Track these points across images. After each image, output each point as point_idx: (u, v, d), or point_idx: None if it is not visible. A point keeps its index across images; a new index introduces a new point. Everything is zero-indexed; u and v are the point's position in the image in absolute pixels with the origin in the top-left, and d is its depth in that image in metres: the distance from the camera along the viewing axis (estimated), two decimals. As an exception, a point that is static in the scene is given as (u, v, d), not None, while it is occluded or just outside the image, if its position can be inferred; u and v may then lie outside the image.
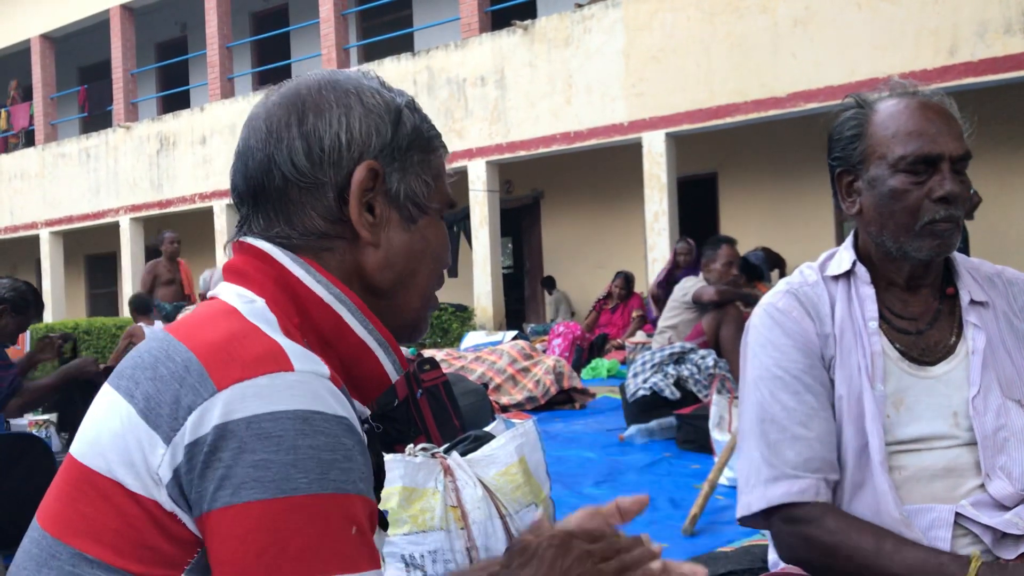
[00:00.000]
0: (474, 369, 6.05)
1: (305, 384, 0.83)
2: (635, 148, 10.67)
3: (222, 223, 14.10)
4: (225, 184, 13.84)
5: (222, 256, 13.69)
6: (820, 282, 1.55)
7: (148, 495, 0.82)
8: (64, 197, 16.25)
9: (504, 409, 5.80)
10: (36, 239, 16.86)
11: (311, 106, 0.96)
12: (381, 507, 1.02)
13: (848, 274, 1.54)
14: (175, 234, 9.59)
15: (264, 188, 0.97)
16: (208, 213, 14.38)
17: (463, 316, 11.54)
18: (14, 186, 17.06)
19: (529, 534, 0.99)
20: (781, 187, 11.21)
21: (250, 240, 0.96)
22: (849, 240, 1.58)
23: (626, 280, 10.12)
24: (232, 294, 0.94)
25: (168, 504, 0.82)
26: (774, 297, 1.55)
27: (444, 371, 4.74)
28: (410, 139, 0.99)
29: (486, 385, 5.59)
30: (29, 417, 4.24)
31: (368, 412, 1.01)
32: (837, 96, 8.63)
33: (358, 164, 0.95)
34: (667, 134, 10.35)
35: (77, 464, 0.89)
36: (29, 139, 17.58)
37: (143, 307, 8.15)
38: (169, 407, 0.83)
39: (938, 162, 1.45)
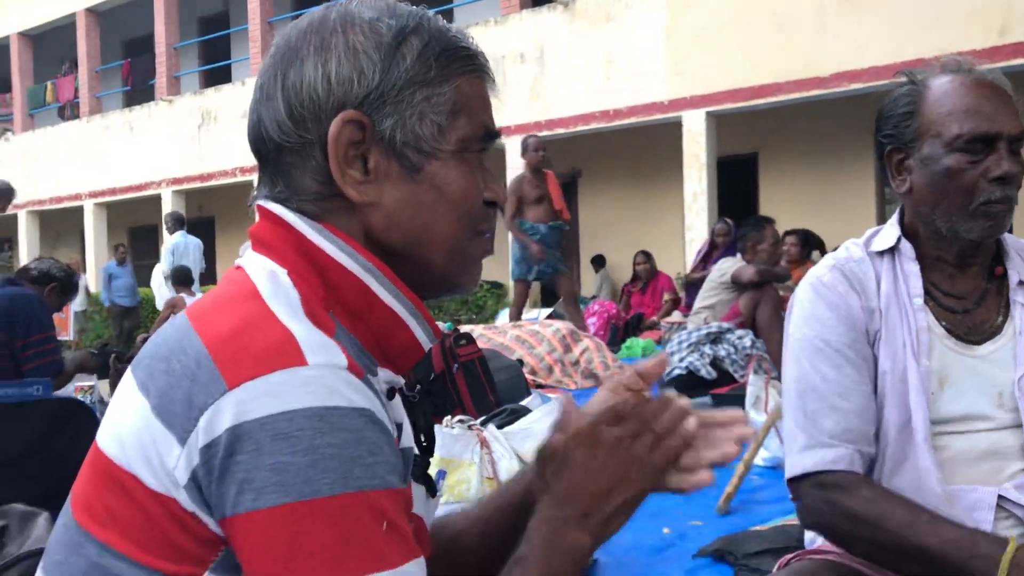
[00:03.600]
0: (513, 350, 6.06)
1: (320, 379, 0.78)
2: (675, 127, 10.58)
3: (264, 196, 14.21)
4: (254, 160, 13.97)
5: (261, 230, 13.81)
6: (865, 258, 1.53)
7: (167, 494, 0.80)
8: (108, 169, 16.47)
9: (539, 386, 5.81)
10: (80, 210, 17.11)
11: (291, 57, 0.88)
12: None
13: (893, 250, 1.52)
14: (539, 139, 7.55)
15: (261, 151, 0.91)
16: (248, 187, 14.51)
17: (498, 293, 11.55)
18: (59, 157, 17.31)
19: (557, 433, 0.97)
20: (823, 168, 11.06)
21: (267, 204, 0.91)
22: (895, 217, 1.57)
23: (647, 257, 10.00)
24: (256, 266, 0.88)
25: (188, 504, 0.79)
26: (819, 271, 1.54)
27: (481, 346, 4.77)
28: (410, 75, 0.87)
29: (521, 362, 5.60)
30: (75, 383, 4.33)
31: (402, 382, 0.96)
32: (882, 77, 8.49)
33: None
34: (707, 113, 10.25)
35: (101, 454, 0.86)
36: (74, 112, 17.81)
37: (184, 278, 8.25)
38: (182, 405, 0.79)
39: (995, 141, 1.42)
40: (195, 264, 9.71)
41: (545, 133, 11.41)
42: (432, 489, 0.99)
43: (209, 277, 12.04)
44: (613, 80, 10.85)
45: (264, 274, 0.86)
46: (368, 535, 0.77)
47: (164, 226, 9.77)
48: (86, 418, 3.47)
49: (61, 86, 17.96)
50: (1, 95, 19.19)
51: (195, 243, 9.86)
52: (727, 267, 5.66)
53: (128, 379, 0.88)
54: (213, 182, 15.05)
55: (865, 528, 1.37)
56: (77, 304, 11.00)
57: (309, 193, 0.89)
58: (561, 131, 11.29)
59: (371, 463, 0.78)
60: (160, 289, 9.73)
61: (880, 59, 8.79)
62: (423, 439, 1.02)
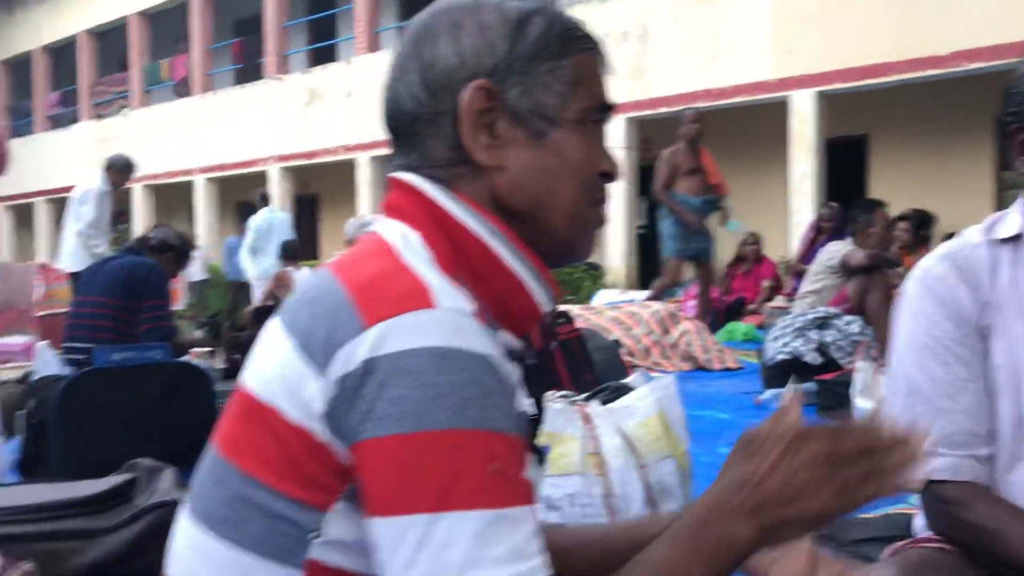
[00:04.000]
0: (610, 331, 6.05)
1: (447, 321, 0.83)
2: (781, 107, 10.32)
3: (365, 175, 14.48)
4: (369, 137, 14.21)
5: (365, 207, 14.09)
6: (983, 245, 1.45)
7: (304, 425, 0.85)
8: (218, 145, 17.01)
9: (635, 367, 5.78)
10: (191, 185, 17.74)
11: (426, 35, 0.95)
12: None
13: (1017, 238, 1.45)
14: (696, 111, 7.54)
15: (397, 124, 0.98)
16: (352, 165, 14.79)
17: (594, 274, 11.51)
18: (173, 133, 17.95)
19: (766, 424, 0.91)
20: (936, 151, 10.64)
21: (401, 175, 0.97)
22: (1020, 203, 1.49)
23: (756, 239, 9.78)
24: (390, 229, 0.95)
25: (323, 435, 0.84)
26: (929, 262, 1.47)
27: (579, 326, 4.77)
28: (535, 49, 0.94)
29: (618, 343, 5.59)
30: (193, 349, 4.53)
31: (520, 346, 0.99)
32: (1005, 55, 8.10)
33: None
34: (817, 93, 9.96)
35: (245, 392, 0.93)
36: (187, 89, 18.42)
37: (291, 252, 8.50)
38: (323, 342, 0.85)
39: None
40: (281, 240, 9.88)
41: (647, 113, 11.30)
42: (541, 458, 1.02)
43: (310, 252, 12.33)
44: (718, 58, 10.64)
45: (398, 236, 0.93)
46: (475, 472, 0.80)
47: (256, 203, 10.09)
48: (202, 382, 3.63)
49: (175, 64, 18.61)
50: (120, 73, 19.99)
51: (280, 219, 10.10)
52: (836, 251, 5.52)
53: (274, 324, 0.95)
54: (318, 160, 15.40)
55: (984, 543, 1.34)
56: (196, 274, 11.40)
57: (440, 160, 0.95)
58: (663, 110, 11.13)
59: (486, 405, 0.82)
60: (244, 262, 10.10)
61: (1004, 36, 8.38)
62: (533, 408, 1.05)
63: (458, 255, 0.93)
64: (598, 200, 1.00)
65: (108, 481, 1.80)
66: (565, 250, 1.00)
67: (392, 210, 0.97)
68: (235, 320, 7.95)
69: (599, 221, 1.01)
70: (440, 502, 0.79)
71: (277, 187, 15.91)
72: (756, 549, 0.87)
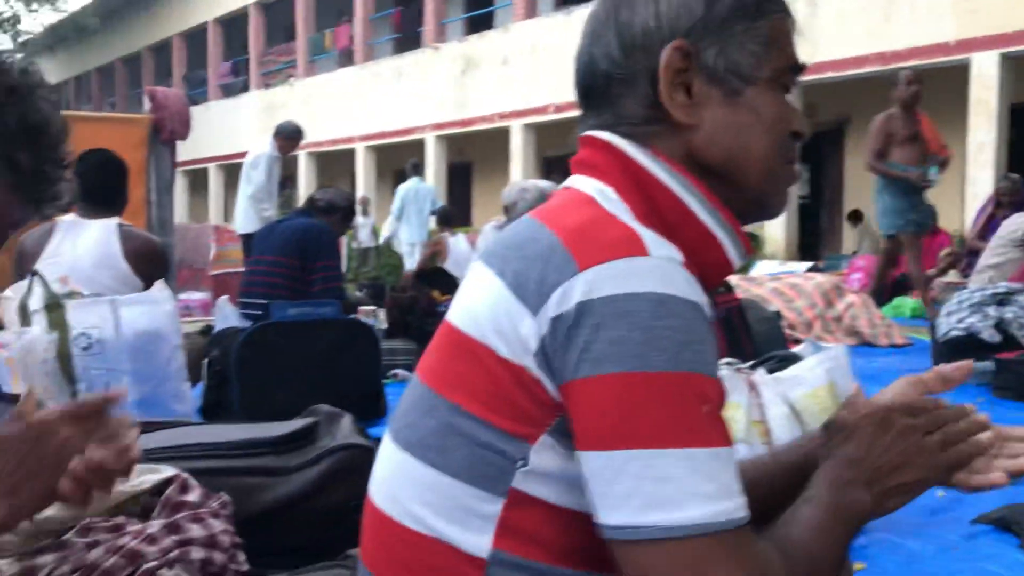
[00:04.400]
0: (770, 302, 5.88)
1: (660, 268, 0.86)
2: (960, 70, 9.70)
3: (518, 142, 14.58)
4: (523, 104, 14.29)
5: (517, 174, 14.21)
6: None
7: (516, 361, 0.89)
8: (377, 114, 17.50)
9: (796, 341, 5.61)
10: (352, 153, 18.35)
11: (622, 0, 0.98)
12: None
13: None
14: (912, 72, 6.71)
15: (591, 86, 1.01)
16: (505, 133, 14.92)
17: (753, 245, 11.22)
18: (335, 102, 18.60)
19: (845, 411, 1.02)
20: None
21: (595, 133, 1.00)
22: None
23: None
24: (585, 184, 0.98)
25: (534, 370, 0.88)
26: None
27: (738, 296, 4.67)
28: (730, 10, 0.96)
29: (779, 315, 5.44)
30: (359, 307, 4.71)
31: (710, 300, 1.02)
32: None
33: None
34: (1001, 55, 9.29)
35: (454, 329, 0.97)
36: (348, 59, 19.01)
37: (447, 218, 8.68)
38: (535, 283, 0.88)
39: None
40: (424, 208, 10.36)
41: (812, 77, 10.85)
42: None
43: (464, 219, 12.56)
44: (892, 20, 10.08)
45: (594, 189, 0.97)
46: (692, 413, 0.83)
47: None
48: (369, 338, 3.78)
49: (338, 34, 19.23)
50: (287, 43, 20.82)
51: (426, 189, 10.49)
52: (1019, 223, 5.17)
53: (478, 268, 0.99)
54: (473, 127, 15.61)
55: None
56: (366, 240, 11.81)
57: (635, 119, 0.98)
58: (830, 75, 10.68)
59: (699, 350, 0.84)
60: (388, 227, 10.54)
61: None
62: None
63: (652, 209, 0.95)
64: (790, 159, 1.02)
65: (293, 424, 1.90)
66: (759, 206, 1.02)
67: (584, 166, 1.01)
68: (395, 282, 8.20)
69: (791, 178, 1.03)
70: (658, 439, 0.82)
71: (432, 155, 16.26)
72: (873, 518, 0.96)
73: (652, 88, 0.96)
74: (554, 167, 14.69)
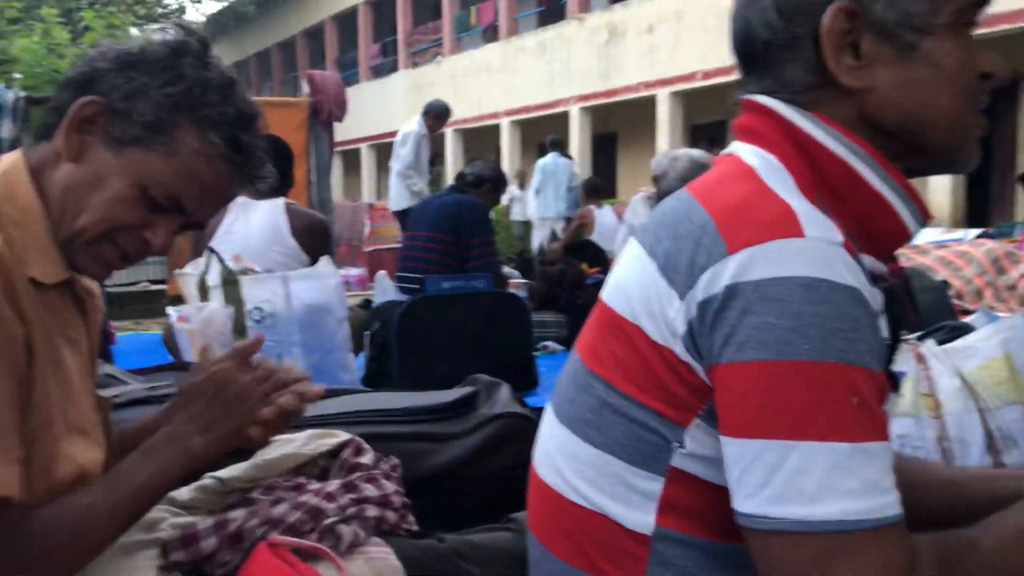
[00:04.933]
0: (936, 271, 5.60)
1: (815, 251, 0.82)
2: None
3: (664, 111, 14.35)
4: (669, 72, 14.03)
5: (664, 145, 14.00)
6: None
7: (665, 344, 0.88)
8: (522, 88, 17.58)
9: (965, 312, 5.33)
10: (497, 128, 18.52)
11: None
12: None
13: None
14: None
15: (749, 51, 0.97)
16: (651, 102, 14.70)
17: (914, 211, 10.67)
18: (480, 78, 18.80)
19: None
20: None
21: (757, 98, 0.96)
22: None
23: None
24: (748, 152, 0.95)
25: (683, 354, 0.87)
26: None
27: (902, 264, 4.48)
28: None
29: (946, 284, 5.18)
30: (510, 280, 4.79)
31: (885, 268, 0.97)
32: None
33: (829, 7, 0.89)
34: None
35: (607, 308, 0.98)
36: (494, 34, 19.15)
37: (593, 190, 8.67)
38: (685, 265, 0.87)
39: None
40: (561, 183, 10.44)
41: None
42: (895, 384, 1.00)
43: (609, 191, 12.47)
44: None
45: (756, 159, 0.94)
46: (838, 405, 0.80)
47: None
48: (521, 310, 3.84)
49: (483, 10, 19.38)
50: (433, 22, 21.16)
51: (564, 164, 10.52)
52: None
53: (632, 246, 0.99)
54: (617, 98, 15.46)
55: None
56: (517, 215, 11.97)
57: (798, 85, 0.93)
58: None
59: (852, 338, 0.80)
60: (528, 203, 10.69)
61: None
62: (892, 333, 1.02)
63: (819, 177, 0.91)
64: (979, 104, 0.95)
65: (454, 392, 1.96)
66: (946, 163, 0.97)
67: (746, 133, 0.97)
68: (543, 256, 8.26)
69: (981, 127, 0.96)
70: (799, 430, 0.79)
71: (577, 127, 16.21)
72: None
73: (816, 52, 0.91)
74: (702, 135, 14.39)
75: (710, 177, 0.96)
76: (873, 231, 0.93)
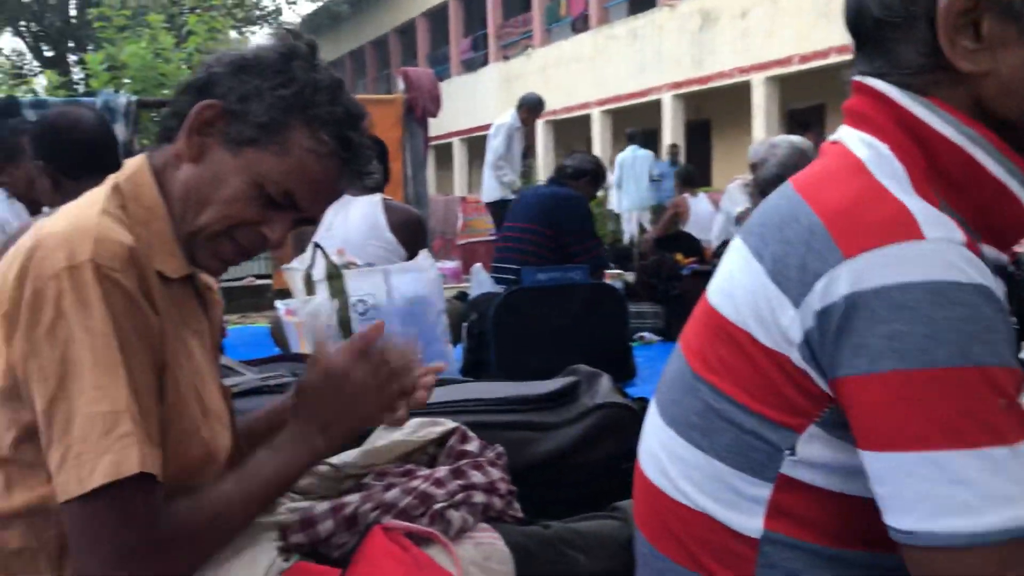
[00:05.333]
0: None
1: (937, 253, 0.78)
2: None
3: (760, 97, 14.07)
4: (764, 57, 13.74)
5: (760, 132, 13.73)
6: None
7: (779, 350, 0.86)
8: (612, 77, 17.47)
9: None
10: (587, 118, 18.46)
11: None
12: None
13: None
14: None
15: (860, 28, 0.92)
16: (746, 88, 14.43)
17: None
18: (570, 69, 18.75)
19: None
20: None
21: (867, 80, 0.92)
22: None
23: None
24: (856, 140, 0.91)
25: (799, 361, 0.84)
26: None
27: (1017, 250, 4.30)
28: None
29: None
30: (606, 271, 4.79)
31: (1006, 259, 0.92)
32: None
33: None
34: None
35: (712, 310, 0.96)
36: (584, 24, 19.07)
37: (687, 179, 8.56)
38: (796, 271, 0.84)
39: None
40: (642, 175, 10.54)
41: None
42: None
43: (703, 179, 12.25)
44: None
45: (866, 148, 0.89)
46: (986, 409, 0.77)
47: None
48: (617, 301, 3.84)
49: (573, 1, 19.32)
50: (523, 14, 21.20)
51: (642, 156, 10.63)
52: None
53: (738, 246, 0.97)
54: (711, 84, 15.23)
55: None
56: (613, 205, 11.93)
57: (911, 67, 0.88)
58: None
59: (989, 339, 0.77)
60: (610, 195, 10.64)
61: None
62: (1017, 321, 0.99)
63: (933, 166, 0.87)
64: None
65: (556, 382, 1.98)
66: None
67: (855, 117, 0.93)
68: (637, 247, 8.21)
69: None
70: (951, 439, 0.76)
71: (669, 115, 16.02)
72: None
73: (931, 32, 0.86)
74: (799, 120, 14.06)
75: (816, 171, 0.93)
76: (995, 221, 0.88)
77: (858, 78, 0.93)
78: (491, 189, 7.72)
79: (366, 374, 1.17)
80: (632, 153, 10.62)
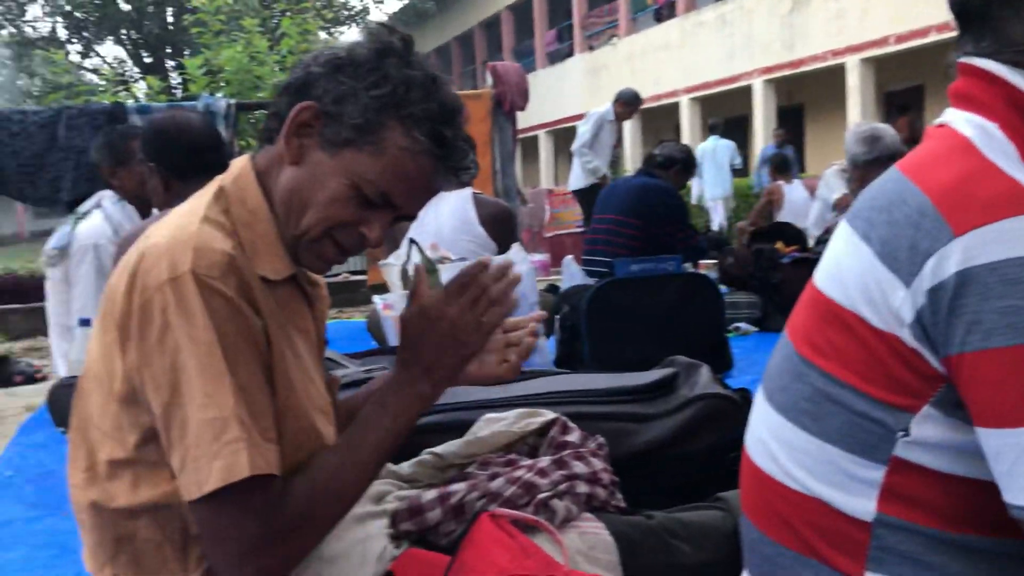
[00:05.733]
0: None
1: None
2: None
3: (854, 79, 13.68)
4: (859, 38, 13.34)
5: (854, 114, 13.36)
6: None
7: (890, 331, 0.86)
8: (701, 64, 17.21)
9: None
10: (676, 106, 18.23)
11: None
12: None
13: None
14: None
15: (965, 7, 0.92)
16: (840, 71, 14.05)
17: None
18: (658, 57, 18.54)
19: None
20: None
21: (973, 60, 0.91)
22: None
23: None
24: (963, 121, 0.90)
25: (910, 341, 0.85)
26: None
27: None
28: None
29: None
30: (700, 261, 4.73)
31: None
32: None
33: None
34: None
35: (820, 294, 0.96)
36: (671, 11, 18.83)
37: (782, 165, 8.38)
38: (906, 252, 0.84)
39: None
40: (722, 165, 10.76)
41: None
42: None
43: (799, 166, 11.97)
44: None
45: (973, 128, 0.88)
46: None
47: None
48: (711, 292, 3.80)
49: (660, -13, 19.11)
50: (608, 4, 21.05)
51: (723, 145, 10.88)
52: None
53: (844, 230, 0.97)
54: (803, 68, 14.87)
55: None
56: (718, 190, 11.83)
57: (1021, 44, 0.88)
58: None
59: None
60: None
61: None
62: None
63: None
64: None
65: (654, 373, 1.98)
66: None
67: (962, 99, 0.93)
68: (728, 236, 8.09)
69: None
70: None
71: (760, 101, 15.71)
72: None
73: None
74: (896, 103, 13.62)
75: (923, 153, 0.92)
76: None
77: (964, 59, 0.93)
78: (577, 177, 7.73)
79: (463, 308, 1.16)
80: (713, 143, 10.76)
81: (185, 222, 1.10)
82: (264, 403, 1.07)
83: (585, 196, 7.41)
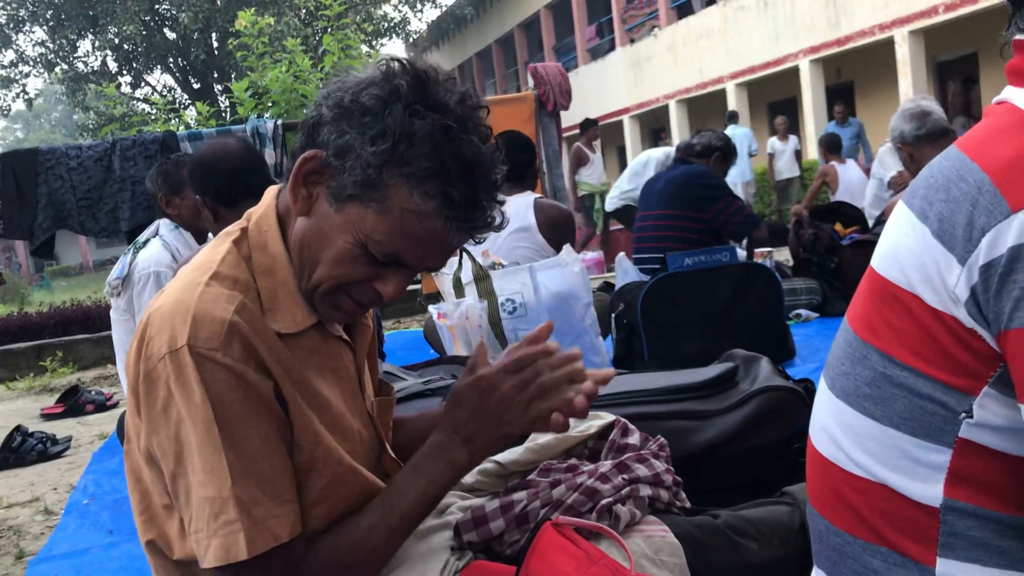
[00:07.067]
0: None
1: None
2: None
3: (904, 52, 13.38)
4: (907, 10, 13.05)
5: (906, 88, 13.06)
6: None
7: (947, 311, 0.85)
8: (745, 49, 16.99)
9: None
10: (722, 93, 18.02)
11: None
12: None
13: None
14: None
15: None
16: (888, 44, 13.76)
17: None
18: (701, 44, 18.35)
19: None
20: None
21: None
22: None
23: None
24: (1022, 98, 0.88)
25: (967, 321, 0.83)
26: None
27: None
28: None
29: None
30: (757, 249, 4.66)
31: None
32: None
33: None
34: None
35: (878, 276, 0.94)
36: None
37: (833, 146, 8.26)
38: (963, 229, 0.82)
39: None
40: (740, 153, 11.07)
41: None
42: None
43: (863, 141, 11.67)
44: None
45: None
46: None
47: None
48: (769, 280, 3.74)
49: (698, -25, 18.90)
50: (647, -5, 20.90)
51: (741, 133, 11.41)
52: None
53: (901, 210, 0.95)
54: (851, 45, 14.59)
55: None
56: (786, 170, 11.68)
57: None
58: None
59: None
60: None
61: None
62: None
63: None
64: None
65: (713, 369, 1.96)
66: None
67: (1019, 76, 0.91)
68: (786, 220, 7.97)
69: None
70: None
71: (808, 81, 15.45)
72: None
73: None
74: (949, 73, 13.30)
75: (982, 130, 0.91)
76: None
77: (1020, 36, 0.91)
78: (610, 199, 8.11)
79: (513, 388, 1.14)
80: (731, 132, 11.12)
81: (192, 280, 1.08)
82: (278, 466, 1.06)
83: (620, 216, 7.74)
